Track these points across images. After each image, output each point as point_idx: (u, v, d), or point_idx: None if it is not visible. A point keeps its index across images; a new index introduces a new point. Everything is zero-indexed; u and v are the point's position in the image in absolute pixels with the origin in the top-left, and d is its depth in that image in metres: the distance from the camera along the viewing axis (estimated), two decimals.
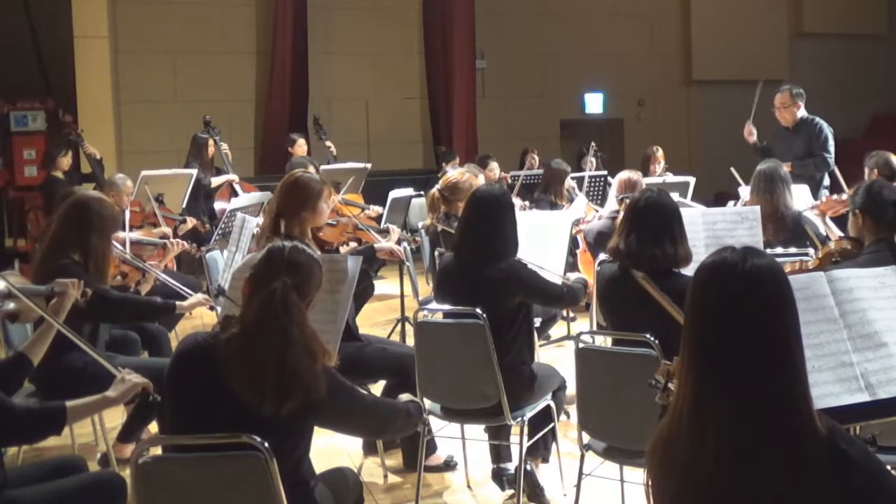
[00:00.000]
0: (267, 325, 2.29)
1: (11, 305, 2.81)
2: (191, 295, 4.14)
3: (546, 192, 6.88)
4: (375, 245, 4.32)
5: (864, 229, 3.41)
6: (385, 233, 4.70)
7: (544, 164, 7.67)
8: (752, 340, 1.60)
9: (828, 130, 6.35)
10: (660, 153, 7.79)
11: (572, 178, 7.24)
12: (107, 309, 3.74)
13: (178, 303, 4.01)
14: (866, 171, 5.34)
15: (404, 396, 2.81)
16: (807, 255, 4.09)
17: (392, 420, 2.68)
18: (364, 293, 5.30)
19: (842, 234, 4.55)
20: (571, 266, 5.57)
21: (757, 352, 1.59)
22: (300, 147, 8.59)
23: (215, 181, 7.78)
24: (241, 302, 2.45)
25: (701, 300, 1.68)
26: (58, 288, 2.95)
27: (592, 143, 8.23)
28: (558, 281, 4.00)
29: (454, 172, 5.41)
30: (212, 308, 4.10)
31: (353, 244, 4.88)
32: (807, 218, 4.74)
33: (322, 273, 2.53)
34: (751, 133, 6.64)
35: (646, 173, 7.32)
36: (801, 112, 6.45)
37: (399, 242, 4.60)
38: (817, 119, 6.43)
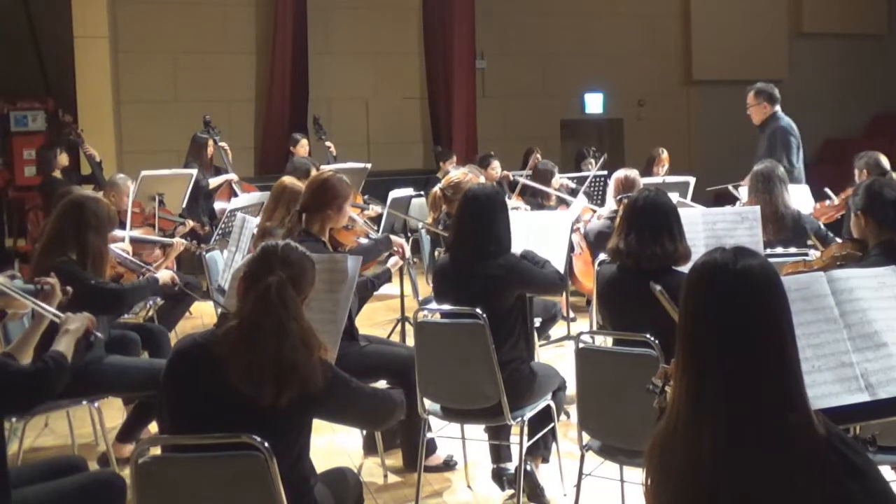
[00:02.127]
0: (264, 318, 2.31)
1: None
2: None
3: (535, 195, 6.88)
4: (392, 237, 4.39)
5: (868, 231, 3.35)
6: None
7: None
8: (745, 340, 1.60)
9: (790, 133, 6.14)
10: (665, 155, 7.76)
11: (570, 178, 7.24)
12: (108, 300, 3.81)
13: (156, 276, 4.31)
14: (856, 171, 5.33)
15: (381, 384, 2.80)
16: (806, 254, 4.09)
17: (392, 412, 2.69)
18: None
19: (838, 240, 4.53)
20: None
21: (751, 351, 1.59)
22: (302, 147, 8.60)
23: (213, 182, 7.78)
24: (233, 301, 2.47)
25: (693, 301, 1.68)
26: (45, 287, 2.97)
27: (592, 148, 8.18)
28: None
29: (456, 172, 5.41)
30: (174, 285, 4.35)
31: None
32: (807, 217, 4.73)
33: (315, 271, 2.56)
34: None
35: (650, 174, 7.32)
36: (771, 111, 6.27)
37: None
38: (783, 121, 6.23)
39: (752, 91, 6.38)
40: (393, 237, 4.47)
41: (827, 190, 5.42)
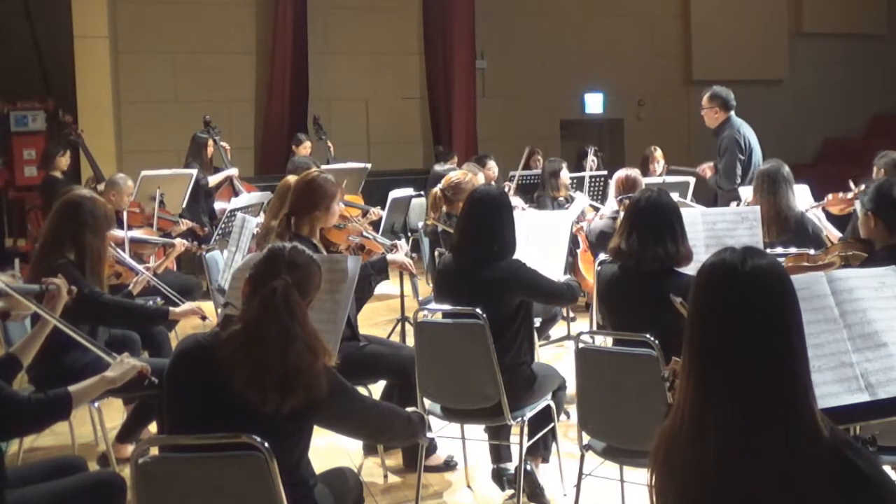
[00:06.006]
0: (269, 323, 2.29)
1: (0, 303, 2.80)
2: (183, 302, 4.10)
3: (545, 189, 6.94)
4: (388, 257, 4.31)
5: (876, 232, 3.30)
6: (393, 247, 4.63)
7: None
8: (753, 341, 1.59)
9: (735, 142, 5.96)
10: (658, 153, 7.84)
11: (572, 178, 7.26)
12: (97, 312, 3.70)
13: (171, 309, 3.95)
14: (874, 170, 5.29)
15: (409, 409, 2.79)
16: (809, 252, 4.07)
17: (391, 424, 2.66)
18: (363, 293, 5.29)
19: (841, 236, 4.52)
20: (571, 266, 5.58)
21: (759, 353, 1.58)
22: (305, 148, 8.63)
23: (214, 179, 7.80)
24: (240, 303, 2.45)
25: (702, 301, 1.67)
26: (51, 287, 2.95)
27: (594, 147, 8.18)
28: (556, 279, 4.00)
29: (456, 172, 5.41)
30: (203, 318, 4.05)
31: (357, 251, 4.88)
32: (810, 219, 4.71)
33: (321, 274, 2.54)
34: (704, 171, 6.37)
35: (645, 173, 7.33)
36: (724, 116, 6.11)
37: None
38: (733, 129, 6.04)
39: (707, 94, 6.20)
40: (391, 257, 4.27)
41: (851, 182, 5.35)
